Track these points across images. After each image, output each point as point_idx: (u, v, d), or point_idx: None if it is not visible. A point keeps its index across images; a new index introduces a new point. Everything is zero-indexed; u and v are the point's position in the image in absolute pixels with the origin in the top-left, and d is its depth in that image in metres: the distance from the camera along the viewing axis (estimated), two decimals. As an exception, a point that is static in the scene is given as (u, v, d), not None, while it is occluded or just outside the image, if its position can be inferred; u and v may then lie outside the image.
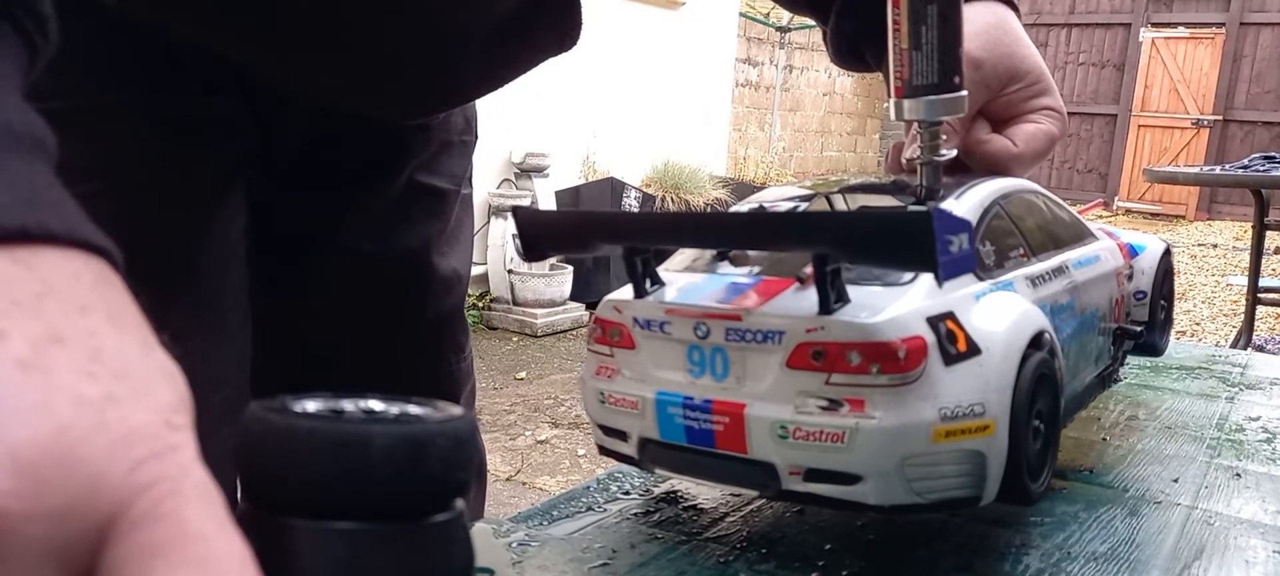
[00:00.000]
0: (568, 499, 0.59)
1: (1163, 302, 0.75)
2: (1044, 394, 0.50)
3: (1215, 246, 8.22)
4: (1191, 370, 0.93)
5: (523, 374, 4.14)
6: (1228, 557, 0.52)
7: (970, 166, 0.64)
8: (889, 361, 0.44)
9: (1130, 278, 0.70)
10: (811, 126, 9.51)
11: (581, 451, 3.20)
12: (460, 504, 0.23)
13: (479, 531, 0.54)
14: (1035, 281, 0.54)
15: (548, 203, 5.12)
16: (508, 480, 2.96)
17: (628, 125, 6.18)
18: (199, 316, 0.65)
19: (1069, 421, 0.64)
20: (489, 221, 5.01)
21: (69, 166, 0.70)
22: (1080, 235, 0.64)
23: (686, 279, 0.52)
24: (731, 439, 0.48)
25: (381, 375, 0.82)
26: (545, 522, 0.56)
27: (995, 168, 0.63)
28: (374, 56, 0.66)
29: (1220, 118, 10.29)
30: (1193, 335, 5.12)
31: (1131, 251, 0.71)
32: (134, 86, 0.62)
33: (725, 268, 0.53)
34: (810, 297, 0.46)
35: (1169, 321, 0.77)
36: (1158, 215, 10.28)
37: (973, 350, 0.46)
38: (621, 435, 0.53)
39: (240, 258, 0.70)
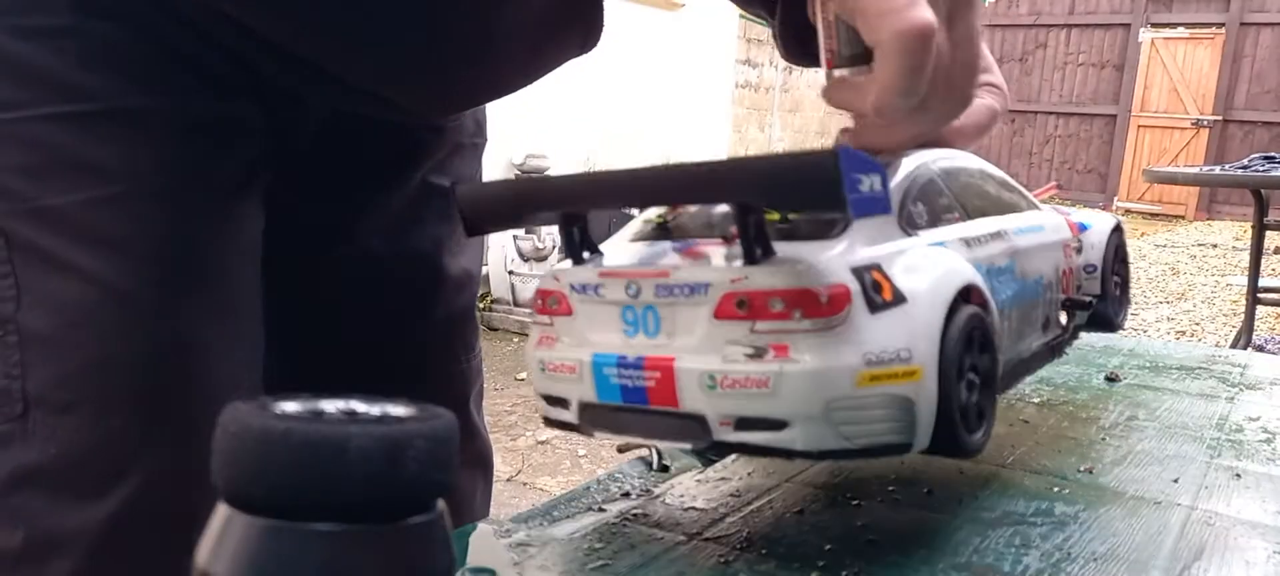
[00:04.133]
0: (568, 499, 0.59)
1: (1117, 277, 0.77)
2: (977, 349, 0.51)
3: (1215, 246, 8.21)
4: (1191, 370, 0.93)
5: (524, 374, 4.15)
6: (1227, 558, 0.52)
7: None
8: (812, 306, 0.45)
9: (1079, 250, 0.72)
10: (811, 127, 9.51)
11: (582, 452, 3.20)
12: (441, 505, 0.24)
13: (480, 532, 0.54)
14: (970, 242, 0.55)
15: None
16: (509, 481, 2.96)
17: (628, 126, 6.18)
18: (217, 317, 0.65)
19: (1014, 384, 0.65)
20: (489, 222, 5.01)
21: (94, 168, 0.70)
22: (1021, 206, 0.65)
23: (627, 249, 0.53)
24: (663, 394, 0.48)
25: (394, 375, 0.83)
26: (546, 523, 0.56)
27: (939, 141, 0.64)
28: (411, 47, 0.66)
29: (1220, 118, 10.29)
30: (1192, 335, 5.12)
31: (1080, 227, 0.73)
32: (154, 90, 0.63)
33: (668, 241, 0.53)
34: (737, 254, 0.47)
35: (1125, 297, 0.78)
36: (1157, 215, 10.27)
37: (898, 299, 0.47)
38: (562, 402, 0.54)
39: (256, 261, 0.70)
